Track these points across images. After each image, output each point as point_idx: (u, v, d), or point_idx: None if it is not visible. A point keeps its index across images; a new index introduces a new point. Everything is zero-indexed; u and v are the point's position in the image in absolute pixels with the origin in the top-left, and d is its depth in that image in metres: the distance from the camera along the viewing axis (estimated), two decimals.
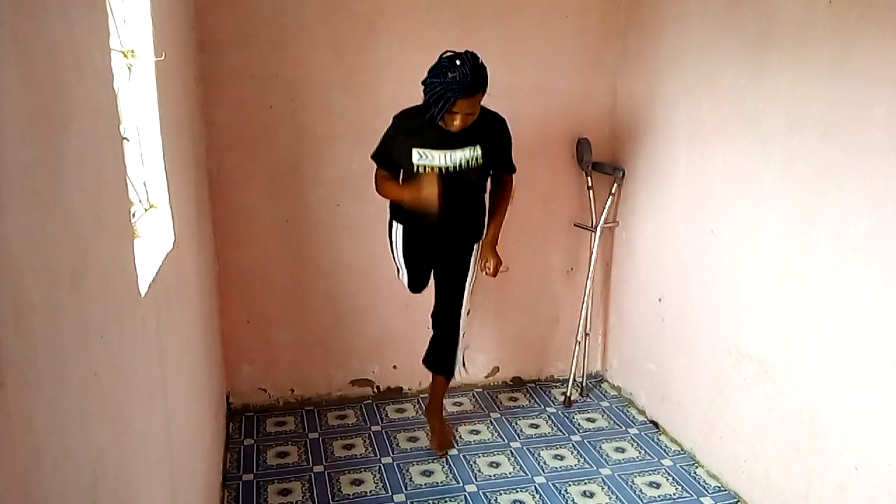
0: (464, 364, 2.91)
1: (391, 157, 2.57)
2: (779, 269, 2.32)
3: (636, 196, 3.16)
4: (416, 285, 2.83)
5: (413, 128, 2.48)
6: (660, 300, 3.03)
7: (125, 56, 1.61)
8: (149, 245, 1.60)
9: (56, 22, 0.89)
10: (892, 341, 1.91)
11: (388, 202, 2.72)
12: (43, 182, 0.80)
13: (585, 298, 3.32)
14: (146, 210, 1.71)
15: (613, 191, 3.20)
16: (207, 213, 2.84)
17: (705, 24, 2.62)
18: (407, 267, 2.77)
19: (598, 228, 3.23)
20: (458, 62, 2.26)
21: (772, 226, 2.34)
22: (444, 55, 2.33)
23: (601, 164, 3.23)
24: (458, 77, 2.24)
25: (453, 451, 2.90)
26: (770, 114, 2.32)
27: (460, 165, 2.48)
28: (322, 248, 3.12)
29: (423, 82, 2.37)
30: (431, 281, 2.85)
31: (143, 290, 1.32)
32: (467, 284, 2.76)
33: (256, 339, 3.15)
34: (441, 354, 2.85)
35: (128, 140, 1.61)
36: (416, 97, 3.00)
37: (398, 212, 2.69)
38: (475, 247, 2.73)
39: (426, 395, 3.38)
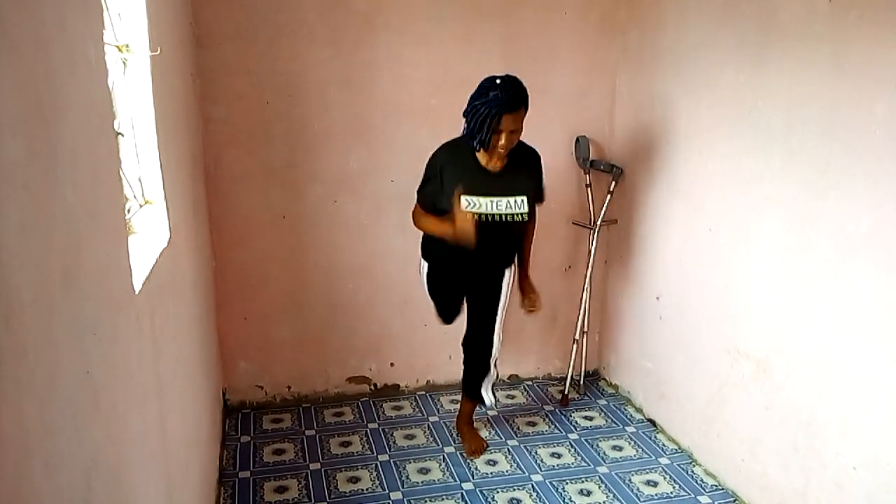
0: (493, 392, 2.90)
1: (434, 200, 2.54)
2: (777, 268, 2.32)
3: (635, 194, 3.15)
4: (447, 317, 2.86)
5: (458, 170, 2.47)
6: (658, 298, 3.03)
7: (120, 50, 1.59)
8: (144, 241, 1.58)
9: (48, 15, 0.88)
10: (891, 340, 1.91)
11: (418, 235, 2.73)
12: (34, 177, 0.78)
13: (583, 296, 3.32)
14: (141, 206, 1.70)
15: (612, 189, 3.20)
16: (204, 210, 2.83)
17: (705, 22, 2.61)
18: (435, 302, 2.81)
19: (597, 226, 3.23)
20: (498, 80, 2.32)
21: (771, 224, 2.34)
22: (484, 79, 2.37)
23: (600, 162, 3.22)
24: (500, 94, 2.29)
25: (450, 449, 2.90)
26: (769, 112, 2.31)
27: (506, 216, 2.49)
28: (319, 245, 3.11)
29: (465, 111, 2.40)
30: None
31: (138, 286, 1.31)
32: (500, 311, 2.75)
33: (253, 335, 3.14)
34: (470, 380, 2.87)
35: (123, 135, 1.59)
36: (415, 94, 3.01)
37: (428, 250, 2.71)
38: (507, 272, 2.71)
39: (423, 392, 3.39)
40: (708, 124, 2.63)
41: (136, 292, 1.30)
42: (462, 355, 2.91)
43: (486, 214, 2.47)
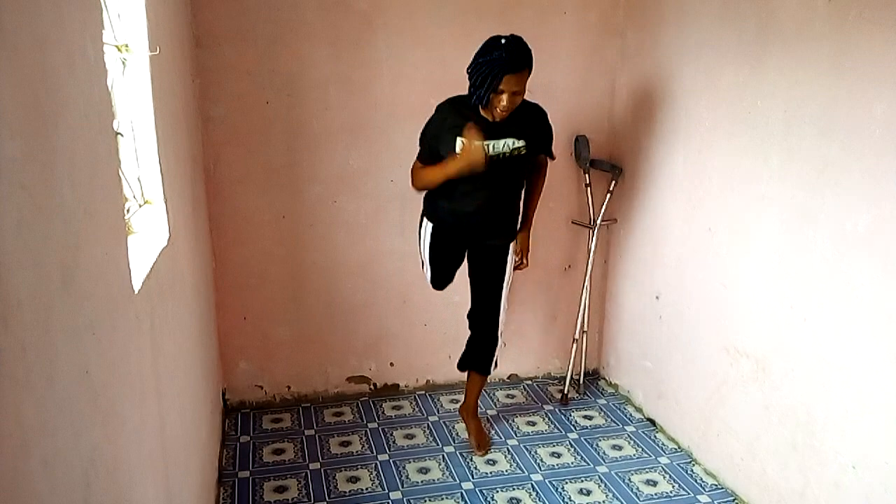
0: (495, 362, 2.91)
1: (433, 148, 2.55)
2: (776, 267, 2.32)
3: (634, 193, 3.15)
4: (439, 283, 2.84)
5: (456, 119, 2.48)
6: (657, 298, 3.03)
7: (119, 50, 1.59)
8: (143, 241, 1.59)
9: (46, 14, 0.88)
10: (890, 339, 1.91)
11: (419, 199, 2.72)
12: (32, 177, 0.78)
13: (583, 296, 3.32)
14: (141, 206, 1.70)
15: (611, 188, 3.20)
16: (204, 210, 2.83)
17: (704, 22, 2.61)
18: (431, 265, 2.78)
19: (596, 226, 3.23)
20: (503, 40, 2.31)
21: (769, 223, 2.34)
22: (490, 38, 2.36)
23: (599, 162, 3.22)
24: (504, 53, 2.28)
25: (449, 448, 2.90)
26: (768, 111, 2.31)
27: (504, 154, 2.48)
28: (319, 245, 3.11)
29: (469, 68, 2.40)
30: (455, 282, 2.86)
31: (137, 286, 1.31)
32: (505, 285, 2.77)
33: (253, 335, 3.14)
34: (479, 353, 2.86)
35: (122, 135, 1.59)
36: (415, 94, 3.01)
37: (432, 210, 2.69)
38: (510, 248, 2.73)
39: (423, 391, 3.39)
40: (707, 124, 2.63)
41: (136, 292, 1.30)
42: (458, 358, 2.90)
43: (488, 154, 2.45)
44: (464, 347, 2.91)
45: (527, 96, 2.43)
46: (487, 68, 2.31)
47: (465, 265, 2.83)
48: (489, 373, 2.89)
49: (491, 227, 2.68)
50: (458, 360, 2.95)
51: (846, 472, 2.07)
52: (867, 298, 1.98)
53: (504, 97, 2.34)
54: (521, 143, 2.50)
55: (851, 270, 2.02)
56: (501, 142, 2.48)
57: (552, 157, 2.70)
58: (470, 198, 2.56)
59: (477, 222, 2.64)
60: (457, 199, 2.57)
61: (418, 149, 2.63)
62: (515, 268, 2.79)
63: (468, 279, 2.84)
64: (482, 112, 2.47)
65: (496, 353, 2.85)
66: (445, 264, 2.77)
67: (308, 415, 3.17)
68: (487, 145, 2.44)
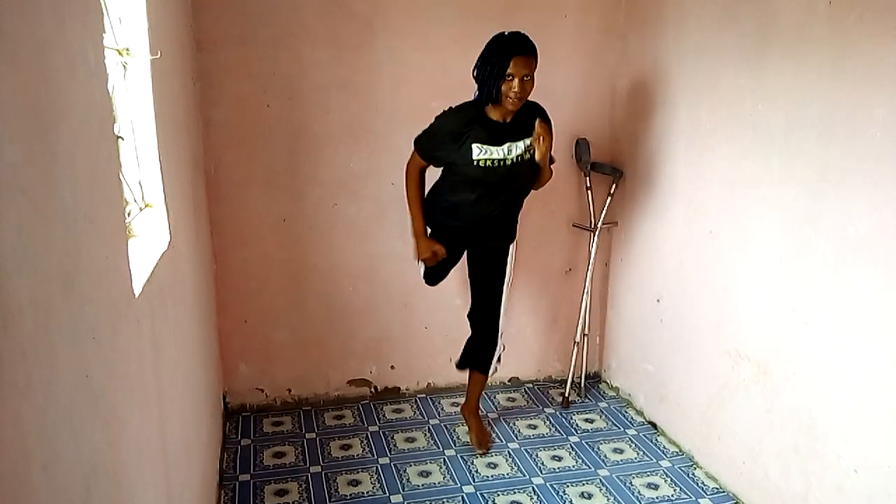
0: (498, 360, 2.91)
1: (436, 155, 2.56)
2: (777, 270, 2.32)
3: (635, 196, 3.15)
4: (433, 279, 2.84)
5: (464, 126, 2.48)
6: (658, 301, 3.02)
7: (120, 54, 1.60)
8: (144, 245, 1.58)
9: (47, 19, 0.88)
10: (891, 342, 1.90)
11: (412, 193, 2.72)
12: (32, 181, 0.78)
13: (584, 299, 3.31)
14: (141, 209, 1.70)
15: (612, 191, 3.19)
16: (205, 213, 2.83)
17: (705, 25, 2.61)
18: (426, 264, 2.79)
19: (597, 229, 3.23)
20: (505, 33, 2.38)
21: (770, 226, 2.34)
22: (493, 36, 2.42)
23: (600, 165, 3.22)
24: (509, 38, 2.35)
25: (450, 452, 2.90)
26: (769, 114, 2.31)
27: (515, 160, 2.50)
28: (320, 248, 3.11)
29: (474, 68, 2.44)
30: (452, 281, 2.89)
31: (138, 290, 1.31)
32: (505, 286, 2.78)
33: (254, 338, 3.14)
34: (479, 352, 2.86)
35: (123, 139, 1.59)
36: (415, 97, 3.01)
37: (431, 213, 2.69)
38: (510, 249, 2.75)
39: (424, 394, 3.39)
40: (708, 127, 2.63)
41: (136, 296, 1.30)
42: (461, 349, 2.90)
43: (498, 160, 2.48)
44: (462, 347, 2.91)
45: (536, 48, 2.44)
46: (494, 55, 2.35)
47: (464, 265, 2.84)
48: (489, 371, 2.89)
49: (493, 232, 2.69)
50: (457, 360, 2.95)
51: (848, 476, 2.06)
52: (868, 302, 1.97)
53: (515, 82, 2.35)
54: (530, 146, 2.52)
55: (853, 274, 2.02)
56: (514, 148, 2.50)
57: (553, 160, 2.69)
58: (475, 209, 2.57)
59: (480, 229, 2.65)
60: (462, 209, 2.59)
61: (422, 137, 2.60)
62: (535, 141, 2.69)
63: (468, 280, 2.84)
64: (489, 114, 2.47)
65: (496, 353, 2.85)
66: (441, 263, 2.77)
67: (309, 418, 3.16)
68: (499, 148, 2.48)
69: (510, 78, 2.35)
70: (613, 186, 3.19)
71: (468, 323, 2.89)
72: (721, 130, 2.55)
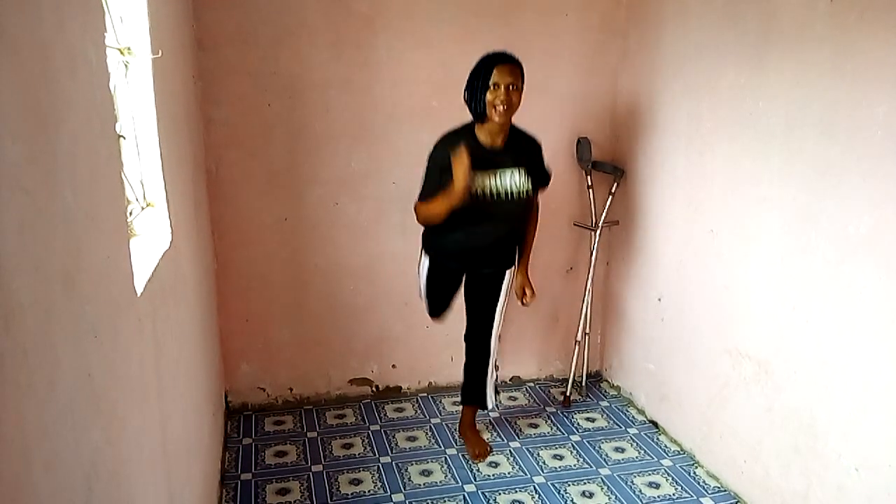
0: (497, 392, 2.93)
1: (443, 182, 2.41)
2: (778, 269, 2.31)
3: (636, 195, 3.15)
4: (436, 312, 2.85)
5: (457, 144, 2.43)
6: (659, 300, 3.02)
7: (122, 53, 1.60)
8: (145, 244, 1.59)
9: (48, 18, 0.88)
10: (892, 341, 1.90)
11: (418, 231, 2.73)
12: (34, 180, 0.78)
13: (585, 298, 3.31)
14: (143, 208, 1.70)
15: (613, 190, 3.19)
16: (206, 212, 2.83)
17: (706, 24, 2.61)
18: (428, 298, 2.80)
19: (598, 227, 3.22)
20: (488, 52, 2.42)
21: (771, 225, 2.33)
22: None
23: (601, 164, 3.22)
24: (492, 53, 2.40)
25: (452, 451, 2.90)
26: (770, 113, 2.31)
27: (510, 192, 2.48)
28: (320, 247, 3.11)
29: (464, 91, 2.45)
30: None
31: (139, 289, 1.31)
32: (498, 309, 2.76)
33: (255, 337, 3.14)
34: (474, 381, 2.86)
35: (124, 138, 1.60)
36: (416, 96, 3.01)
37: (430, 243, 2.69)
38: (507, 273, 2.73)
39: (425, 393, 3.39)
40: (709, 125, 2.62)
41: (138, 294, 1.30)
42: (463, 359, 2.90)
43: (489, 190, 2.46)
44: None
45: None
46: (479, 68, 2.39)
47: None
48: (485, 406, 2.89)
49: (491, 258, 2.68)
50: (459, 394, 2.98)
51: (849, 475, 2.06)
52: (869, 300, 1.97)
53: (500, 91, 2.35)
54: (525, 184, 2.50)
55: (853, 272, 2.02)
56: (507, 174, 2.47)
57: (545, 186, 2.68)
58: (471, 234, 2.55)
59: (479, 255, 2.65)
60: (458, 234, 2.55)
61: (421, 184, 2.55)
62: (523, 304, 2.82)
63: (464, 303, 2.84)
64: (479, 137, 2.46)
65: (490, 381, 2.85)
66: (443, 295, 2.79)
67: (310, 417, 3.17)
68: (494, 176, 2.46)
69: (495, 87, 2.35)
70: (614, 185, 3.19)
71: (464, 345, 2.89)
72: (722, 129, 2.55)
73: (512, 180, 2.48)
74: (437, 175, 2.46)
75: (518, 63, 2.40)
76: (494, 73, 2.35)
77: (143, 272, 1.40)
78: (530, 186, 2.53)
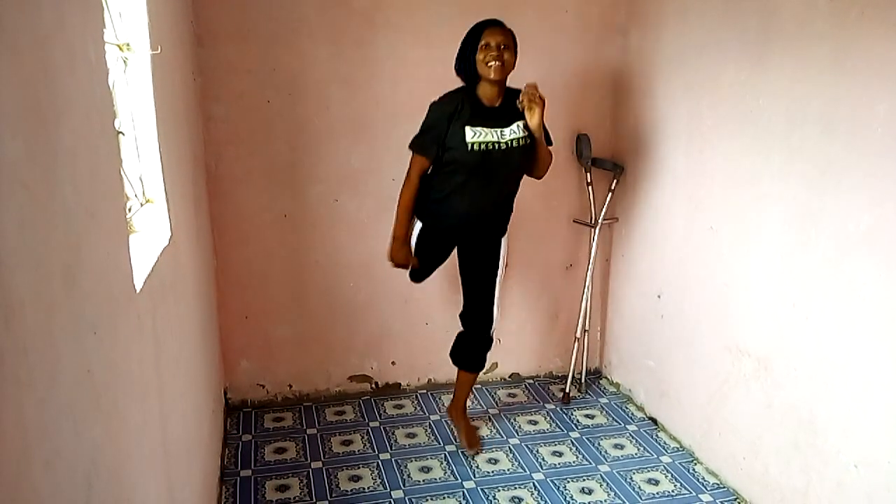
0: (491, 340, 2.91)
1: (436, 142, 2.49)
2: (778, 266, 2.32)
3: (636, 192, 3.15)
4: (419, 277, 2.83)
5: (455, 109, 2.48)
6: (659, 297, 3.02)
7: (121, 49, 1.59)
8: (145, 240, 1.59)
9: (47, 14, 0.87)
10: (892, 338, 1.90)
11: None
12: (34, 177, 0.78)
13: (584, 294, 3.31)
14: (142, 205, 1.70)
15: (613, 187, 3.19)
16: (205, 209, 2.83)
17: (706, 20, 2.61)
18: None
19: (598, 224, 3.22)
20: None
21: (771, 222, 2.33)
22: None
23: (601, 160, 3.22)
24: (479, 21, 2.45)
25: (451, 448, 2.90)
26: (770, 110, 2.31)
27: (510, 144, 2.49)
28: (320, 244, 3.11)
29: (455, 62, 2.51)
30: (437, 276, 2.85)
31: (139, 285, 1.31)
32: (497, 280, 2.76)
33: (254, 334, 3.14)
34: (472, 352, 2.84)
35: (123, 134, 1.59)
36: (416, 93, 3.00)
37: (424, 209, 2.67)
38: (503, 241, 2.74)
39: (425, 390, 3.39)
40: (709, 122, 2.62)
41: (137, 291, 1.30)
42: (453, 342, 2.88)
43: (491, 143, 2.47)
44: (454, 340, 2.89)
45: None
46: (468, 36, 2.47)
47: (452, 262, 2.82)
48: (479, 370, 2.88)
49: (486, 224, 2.67)
50: (449, 351, 2.93)
51: (848, 471, 2.06)
52: (869, 297, 1.97)
53: (492, 51, 2.39)
54: (523, 134, 2.51)
55: (853, 269, 2.02)
56: (508, 130, 2.50)
57: (550, 143, 2.66)
58: (469, 197, 2.55)
59: (473, 220, 2.63)
60: (454, 198, 2.56)
61: (411, 153, 2.57)
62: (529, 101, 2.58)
63: (459, 279, 2.82)
64: (479, 96, 2.49)
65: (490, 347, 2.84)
66: (429, 261, 2.76)
67: (310, 414, 3.17)
68: (495, 133, 2.48)
69: (486, 47, 2.39)
70: (614, 182, 3.18)
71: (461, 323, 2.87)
72: (722, 126, 2.55)
73: (512, 133, 2.50)
74: (436, 132, 2.50)
75: (506, 27, 2.44)
76: (484, 33, 2.41)
77: (143, 269, 1.40)
78: (528, 135, 2.52)
